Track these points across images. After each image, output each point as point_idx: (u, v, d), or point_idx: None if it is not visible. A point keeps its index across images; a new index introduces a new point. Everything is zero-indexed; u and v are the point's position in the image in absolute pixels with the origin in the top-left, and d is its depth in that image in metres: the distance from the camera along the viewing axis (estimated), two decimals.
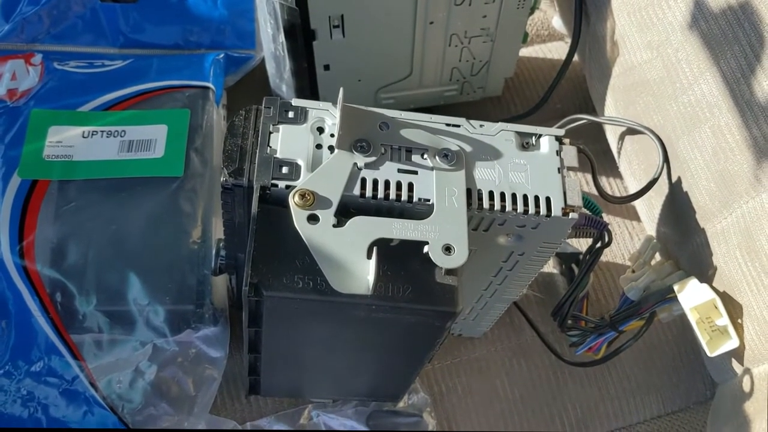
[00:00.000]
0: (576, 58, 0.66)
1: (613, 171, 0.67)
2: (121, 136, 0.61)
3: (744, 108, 0.44)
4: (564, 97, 0.74)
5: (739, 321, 0.47)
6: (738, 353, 0.49)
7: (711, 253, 0.49)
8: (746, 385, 0.50)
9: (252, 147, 0.39)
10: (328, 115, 0.41)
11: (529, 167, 0.41)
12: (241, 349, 0.60)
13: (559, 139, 0.42)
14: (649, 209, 0.59)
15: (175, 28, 0.69)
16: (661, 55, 0.51)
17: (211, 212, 0.59)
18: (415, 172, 0.40)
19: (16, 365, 0.55)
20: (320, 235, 0.37)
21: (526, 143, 0.42)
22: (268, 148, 0.39)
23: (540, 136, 0.42)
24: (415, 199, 0.39)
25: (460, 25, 0.60)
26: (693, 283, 0.48)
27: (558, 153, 0.42)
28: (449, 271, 0.38)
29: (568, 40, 0.78)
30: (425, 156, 0.40)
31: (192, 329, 0.56)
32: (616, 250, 0.68)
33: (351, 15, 0.57)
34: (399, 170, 0.39)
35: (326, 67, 0.62)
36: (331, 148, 0.39)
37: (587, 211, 0.47)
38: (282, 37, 0.58)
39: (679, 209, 0.53)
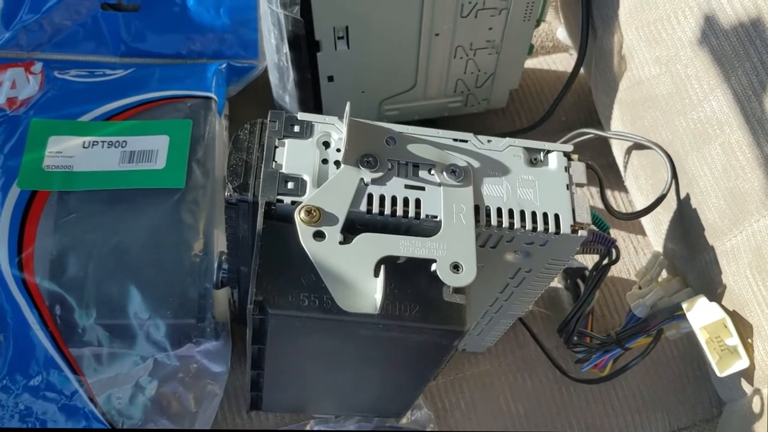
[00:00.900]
0: (581, 70, 0.66)
1: (618, 185, 0.67)
2: (122, 147, 0.60)
3: (755, 126, 0.44)
4: (569, 110, 0.74)
5: (749, 341, 0.47)
6: (747, 373, 0.49)
7: (720, 272, 0.49)
8: (756, 406, 0.49)
9: (257, 162, 0.38)
10: (334, 130, 0.40)
11: (538, 183, 0.41)
12: (242, 363, 0.59)
13: (567, 154, 0.42)
14: (657, 225, 0.58)
15: (178, 37, 0.69)
16: (669, 70, 0.51)
17: (213, 224, 0.58)
18: (423, 188, 0.39)
19: (14, 379, 0.54)
20: (326, 252, 0.36)
21: (534, 159, 0.42)
22: (274, 162, 0.38)
23: (548, 151, 0.42)
24: (422, 216, 0.38)
25: (465, 37, 0.60)
26: (702, 301, 0.48)
27: (566, 169, 0.41)
28: (457, 290, 0.37)
29: (573, 52, 0.78)
30: (432, 172, 0.39)
31: (193, 343, 0.55)
32: (621, 266, 0.67)
33: (356, 26, 0.56)
34: (406, 186, 0.39)
35: (330, 79, 0.61)
36: (337, 163, 0.39)
37: (595, 227, 0.47)
38: (286, 48, 0.57)
39: (687, 226, 0.52)
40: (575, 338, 0.55)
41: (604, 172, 0.49)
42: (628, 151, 0.60)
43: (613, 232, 0.60)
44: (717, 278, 0.49)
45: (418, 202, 0.38)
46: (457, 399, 0.62)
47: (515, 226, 0.39)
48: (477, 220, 0.39)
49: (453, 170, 0.39)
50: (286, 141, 0.39)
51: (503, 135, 0.42)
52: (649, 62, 0.53)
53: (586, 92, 0.73)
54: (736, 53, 0.45)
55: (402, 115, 0.67)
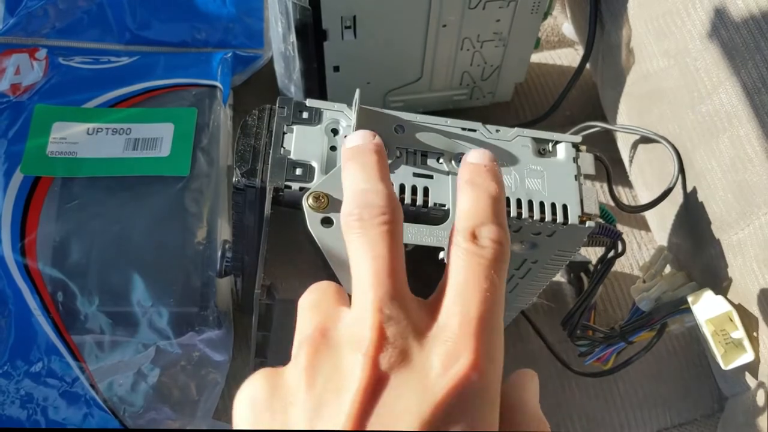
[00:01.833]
0: (587, 65, 0.65)
1: (623, 179, 0.67)
2: (126, 134, 0.60)
3: (764, 118, 0.43)
4: (573, 104, 0.73)
5: (755, 334, 0.47)
6: (752, 367, 0.49)
7: (726, 265, 0.49)
8: (760, 399, 0.49)
9: (265, 147, 0.38)
10: (343, 117, 0.40)
11: (546, 174, 0.40)
12: (244, 352, 0.59)
13: (575, 146, 0.42)
14: (661, 219, 0.58)
15: (183, 26, 0.69)
16: (678, 63, 0.51)
17: (217, 213, 0.58)
18: (431, 177, 0.39)
19: (15, 365, 0.54)
20: (334, 238, 0.36)
21: (542, 149, 0.42)
22: (282, 148, 0.38)
23: (557, 142, 0.42)
24: (430, 204, 0.38)
25: (473, 28, 0.60)
26: (708, 294, 0.48)
27: (575, 160, 0.41)
28: None
29: (578, 47, 0.78)
30: (441, 160, 0.39)
31: (195, 332, 0.55)
32: (625, 260, 0.67)
33: (364, 16, 0.56)
34: (414, 174, 0.39)
35: (336, 69, 0.61)
36: None
37: (602, 220, 0.46)
38: (293, 37, 0.57)
39: (693, 220, 0.52)
40: (579, 331, 0.55)
41: None
42: (634, 146, 0.60)
43: (618, 227, 0.60)
44: (723, 272, 0.49)
45: (426, 190, 0.38)
46: None
47: (523, 216, 0.39)
48: None
49: (461, 159, 0.39)
50: (295, 127, 0.39)
51: (510, 127, 0.42)
52: (658, 55, 0.53)
53: (590, 87, 0.72)
54: (746, 46, 0.45)
55: (407, 106, 0.67)
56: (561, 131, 0.50)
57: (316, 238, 0.35)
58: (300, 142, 0.38)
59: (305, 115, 0.39)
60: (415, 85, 0.65)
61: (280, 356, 0.45)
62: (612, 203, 0.52)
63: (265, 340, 0.42)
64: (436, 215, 0.38)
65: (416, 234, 0.37)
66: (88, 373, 0.54)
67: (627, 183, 0.66)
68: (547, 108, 0.69)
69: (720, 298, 0.47)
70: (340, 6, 0.55)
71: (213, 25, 0.69)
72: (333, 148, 0.39)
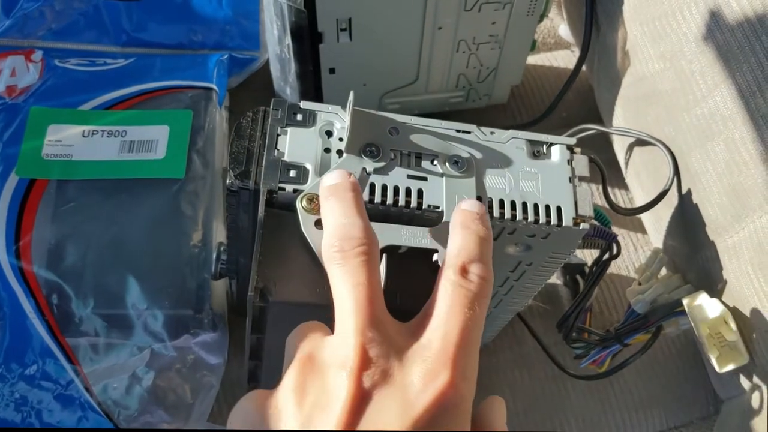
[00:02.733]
0: (583, 67, 0.66)
1: (619, 182, 0.67)
2: (122, 136, 0.60)
3: (759, 122, 0.43)
4: (570, 106, 0.74)
5: (750, 337, 0.47)
6: (747, 370, 0.49)
7: (721, 268, 0.49)
8: (755, 402, 0.49)
9: (259, 149, 0.38)
10: (337, 119, 0.40)
11: (540, 176, 0.40)
12: (239, 355, 0.59)
13: (570, 148, 0.42)
14: (657, 222, 0.58)
15: (179, 28, 0.69)
16: (674, 66, 0.51)
17: (212, 215, 0.58)
18: (425, 179, 0.39)
19: (9, 368, 0.54)
20: None
21: (537, 151, 0.41)
22: (276, 150, 0.38)
23: (551, 144, 0.42)
24: (424, 206, 0.38)
25: (468, 30, 0.60)
26: (703, 297, 0.48)
27: (569, 162, 0.41)
28: None
29: (575, 49, 0.78)
30: (435, 162, 0.39)
31: (190, 334, 0.55)
32: (620, 263, 0.67)
33: (359, 18, 0.56)
34: (408, 176, 0.39)
35: (332, 71, 0.61)
36: (339, 153, 0.39)
37: (596, 222, 0.46)
38: (288, 39, 0.57)
39: (688, 222, 0.52)
40: (574, 334, 0.55)
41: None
42: (630, 148, 0.60)
43: (613, 230, 0.60)
44: (718, 275, 0.49)
45: (420, 192, 0.38)
46: None
47: (517, 218, 0.39)
48: None
49: (456, 161, 0.39)
50: (289, 129, 0.39)
51: (505, 129, 0.42)
52: (653, 58, 0.53)
53: (586, 89, 0.72)
54: (741, 49, 0.45)
55: (403, 109, 0.67)
56: (557, 133, 0.50)
57: (309, 240, 0.35)
58: (294, 144, 0.38)
59: (299, 117, 0.39)
60: (411, 88, 0.65)
61: (274, 359, 0.45)
62: (607, 205, 0.52)
63: (259, 343, 0.42)
64: (430, 217, 0.38)
65: (410, 236, 0.37)
66: (82, 376, 0.54)
67: (623, 185, 0.66)
68: (544, 110, 0.69)
69: (715, 300, 0.47)
70: (336, 8, 0.55)
71: (209, 28, 0.69)
72: (327, 150, 0.39)
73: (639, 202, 0.61)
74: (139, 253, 0.55)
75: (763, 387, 0.48)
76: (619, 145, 0.63)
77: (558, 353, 0.61)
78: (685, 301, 0.48)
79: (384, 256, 0.36)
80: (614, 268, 0.67)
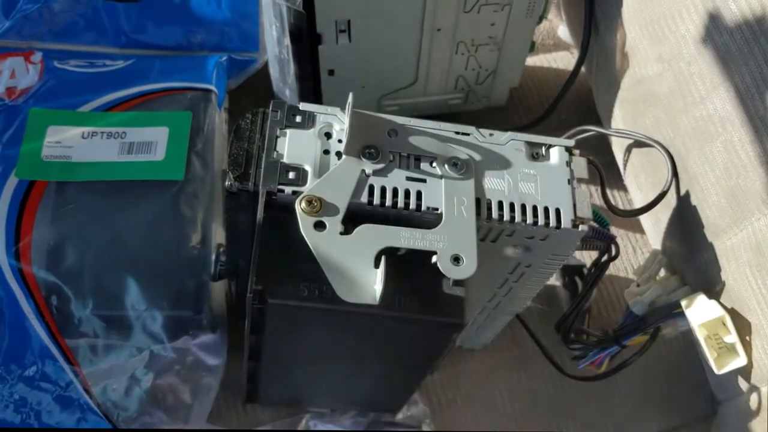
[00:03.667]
0: (582, 69, 0.66)
1: (618, 184, 0.67)
2: (121, 138, 0.60)
3: (758, 123, 0.44)
4: (568, 108, 0.74)
5: (747, 339, 0.47)
6: (745, 371, 0.49)
7: (719, 270, 0.49)
8: (753, 403, 0.49)
9: (258, 151, 0.38)
10: (336, 121, 0.40)
11: (539, 178, 0.41)
12: (238, 356, 0.59)
13: (569, 149, 0.42)
14: (656, 223, 0.58)
15: (178, 29, 0.68)
16: (672, 68, 0.51)
17: (212, 217, 0.58)
18: (424, 181, 0.39)
19: (8, 369, 0.53)
20: (327, 242, 0.36)
21: (536, 153, 0.42)
22: (275, 152, 0.38)
23: (550, 146, 0.42)
24: (423, 208, 0.38)
25: (467, 32, 0.60)
26: (701, 299, 0.48)
27: (568, 164, 0.41)
28: (457, 282, 0.37)
29: (574, 51, 0.78)
30: (434, 164, 0.39)
31: (190, 336, 0.55)
32: (619, 264, 0.67)
33: (358, 20, 0.56)
34: (407, 178, 0.39)
35: (331, 72, 0.61)
36: (338, 154, 0.39)
37: (595, 224, 0.46)
38: (287, 41, 0.57)
39: (687, 224, 0.52)
40: (573, 335, 0.55)
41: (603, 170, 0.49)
42: (628, 150, 0.60)
43: (612, 231, 0.60)
44: (716, 276, 0.49)
45: (419, 194, 0.38)
46: (453, 395, 0.61)
47: (516, 220, 0.39)
48: (478, 213, 0.39)
49: (455, 163, 0.39)
50: (288, 131, 0.39)
51: (504, 131, 0.42)
52: (652, 60, 0.53)
53: (585, 91, 0.72)
54: (740, 51, 0.45)
55: (402, 111, 0.67)
56: (556, 135, 0.50)
57: (308, 242, 0.35)
58: (293, 146, 0.38)
59: (298, 118, 0.39)
60: (410, 89, 0.65)
61: (273, 360, 0.45)
62: (605, 207, 0.52)
63: (258, 344, 0.42)
64: (429, 219, 0.38)
65: (409, 238, 0.37)
66: (81, 377, 0.54)
67: (622, 187, 0.67)
68: (542, 112, 0.69)
69: (713, 302, 0.47)
70: (335, 10, 0.55)
71: (208, 29, 0.69)
72: (326, 152, 0.39)
73: (637, 203, 0.61)
74: (138, 254, 0.55)
75: (761, 388, 0.48)
76: (618, 147, 0.63)
77: (556, 354, 0.61)
78: (683, 303, 0.49)
79: (383, 257, 0.36)
80: (613, 269, 0.67)
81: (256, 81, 0.70)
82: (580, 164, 0.42)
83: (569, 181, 0.41)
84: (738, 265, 0.47)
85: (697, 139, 0.49)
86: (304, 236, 0.35)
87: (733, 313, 0.47)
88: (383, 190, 0.38)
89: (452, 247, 0.37)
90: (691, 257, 0.52)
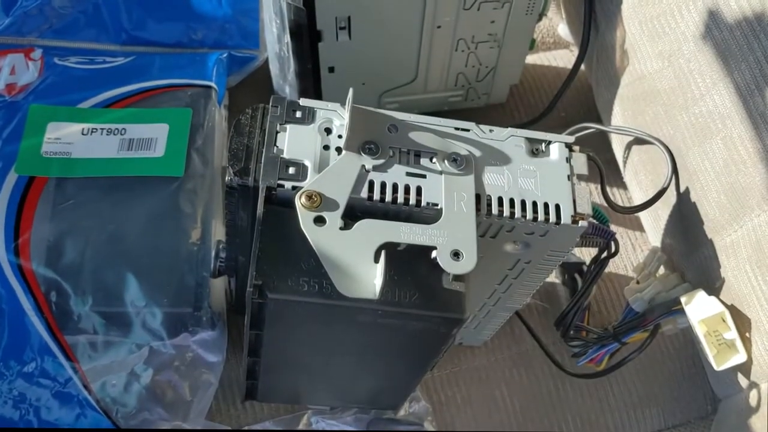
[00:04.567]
0: (582, 67, 0.66)
1: (617, 181, 0.67)
2: (121, 134, 0.60)
3: (758, 120, 0.44)
4: (568, 106, 0.74)
5: (747, 335, 0.47)
6: (745, 368, 0.49)
7: (719, 266, 0.49)
8: (753, 400, 0.49)
9: (258, 146, 0.38)
10: (336, 116, 0.40)
11: (539, 174, 0.41)
12: (237, 353, 0.59)
13: (569, 146, 0.42)
14: (655, 220, 0.58)
15: (179, 26, 0.69)
16: (672, 65, 0.51)
17: (211, 213, 0.58)
18: (424, 176, 0.39)
19: (8, 365, 0.53)
20: (327, 237, 0.36)
21: (535, 149, 0.42)
22: (275, 147, 0.38)
23: (550, 142, 0.42)
24: (423, 204, 0.38)
25: (467, 29, 0.60)
26: (701, 295, 0.48)
27: (568, 160, 0.41)
28: (457, 277, 0.37)
29: (574, 49, 0.78)
30: (434, 160, 0.39)
31: (189, 332, 0.55)
32: (618, 261, 0.67)
33: (358, 17, 0.56)
34: (407, 173, 0.39)
35: (331, 70, 0.61)
36: (338, 150, 0.39)
37: (594, 220, 0.46)
38: (287, 38, 0.57)
39: (686, 221, 0.52)
40: (572, 332, 0.55)
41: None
42: (628, 147, 0.60)
43: (611, 228, 0.60)
44: (716, 273, 0.49)
45: (419, 189, 0.38)
46: (453, 393, 0.61)
47: (516, 216, 0.39)
48: (478, 209, 0.39)
49: (454, 159, 0.39)
50: (288, 126, 0.39)
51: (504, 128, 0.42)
52: (652, 57, 0.53)
53: (585, 89, 0.73)
54: (739, 47, 0.45)
55: (402, 108, 0.67)
56: (556, 133, 0.50)
57: (308, 237, 0.35)
58: (293, 141, 0.38)
59: (298, 114, 0.39)
60: (410, 87, 0.65)
61: (273, 356, 0.45)
62: (605, 204, 0.52)
63: (258, 340, 0.42)
64: (429, 214, 0.38)
65: (409, 233, 0.37)
66: (81, 374, 0.54)
67: (621, 184, 0.66)
68: (542, 109, 0.69)
69: (713, 298, 0.47)
70: (335, 6, 0.55)
71: (208, 26, 0.69)
72: (326, 147, 0.39)
73: (637, 200, 0.61)
74: (137, 250, 0.55)
75: (761, 385, 0.48)
76: (618, 145, 0.63)
77: (556, 352, 0.62)
78: (682, 299, 0.49)
79: (383, 253, 0.36)
80: (612, 267, 0.67)
81: (256, 78, 0.70)
82: (580, 160, 0.42)
83: (569, 177, 0.41)
84: (738, 261, 0.47)
85: (697, 135, 0.49)
86: (304, 231, 0.35)
87: (733, 310, 0.48)
88: (383, 185, 0.38)
89: (452, 243, 0.37)
90: (691, 254, 0.52)
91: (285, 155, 0.38)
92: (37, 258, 0.55)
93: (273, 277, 0.35)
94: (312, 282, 0.36)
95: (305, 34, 0.56)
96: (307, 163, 0.38)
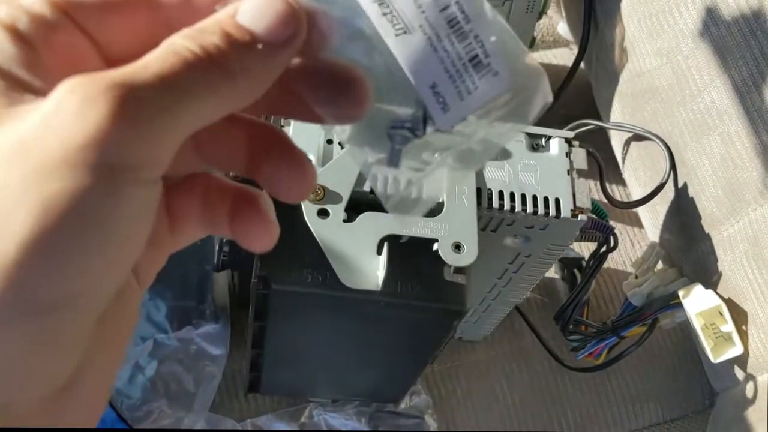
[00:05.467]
0: (581, 65, 0.66)
1: (617, 177, 0.67)
2: None
3: (755, 116, 0.44)
4: (568, 103, 0.74)
5: (744, 328, 0.47)
6: (741, 360, 0.49)
7: (716, 260, 0.49)
8: (749, 393, 0.50)
9: None
10: None
11: (539, 168, 0.41)
12: (241, 347, 0.59)
13: (568, 141, 0.42)
14: (653, 216, 0.59)
15: None
16: (670, 61, 0.52)
17: None
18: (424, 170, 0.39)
19: None
20: (330, 229, 0.36)
21: (536, 144, 0.42)
22: None
23: (550, 137, 0.42)
24: None
25: None
26: (698, 289, 0.48)
27: (567, 155, 0.42)
28: (458, 270, 0.38)
29: (573, 47, 0.78)
30: (436, 154, 0.40)
31: (193, 326, 0.56)
32: (617, 257, 0.68)
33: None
34: (409, 167, 0.39)
35: None
36: (341, 144, 0.39)
37: (594, 215, 0.47)
38: None
39: (684, 216, 0.53)
40: (571, 326, 0.56)
41: None
42: (627, 144, 0.61)
43: (610, 223, 0.60)
44: (713, 267, 0.50)
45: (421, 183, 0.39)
46: (453, 387, 0.62)
47: (516, 209, 0.40)
48: (479, 203, 0.39)
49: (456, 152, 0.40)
50: (292, 120, 0.39)
51: None
52: (650, 54, 0.54)
53: (585, 87, 0.73)
54: (737, 44, 0.45)
55: None
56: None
57: (312, 229, 0.36)
58: (296, 135, 0.39)
59: None
60: None
61: (276, 348, 0.46)
62: (604, 199, 0.53)
63: (261, 331, 0.43)
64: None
65: (411, 226, 0.37)
66: None
67: (620, 180, 0.67)
68: None
69: (710, 292, 0.48)
70: None
71: None
72: (329, 141, 0.39)
73: (636, 196, 0.62)
74: None
75: (757, 377, 0.49)
76: (617, 141, 0.63)
77: (555, 346, 0.62)
78: (680, 293, 0.49)
79: (386, 245, 0.36)
80: (611, 262, 0.68)
81: None
82: (580, 155, 0.42)
83: (569, 172, 0.41)
84: (735, 255, 0.47)
85: (695, 131, 0.50)
86: (308, 223, 0.36)
87: (730, 303, 0.48)
88: (386, 179, 0.38)
89: (453, 235, 0.37)
90: (689, 248, 0.53)
91: None
92: None
93: (277, 269, 0.36)
94: (315, 273, 0.36)
95: None
96: (310, 156, 0.38)
